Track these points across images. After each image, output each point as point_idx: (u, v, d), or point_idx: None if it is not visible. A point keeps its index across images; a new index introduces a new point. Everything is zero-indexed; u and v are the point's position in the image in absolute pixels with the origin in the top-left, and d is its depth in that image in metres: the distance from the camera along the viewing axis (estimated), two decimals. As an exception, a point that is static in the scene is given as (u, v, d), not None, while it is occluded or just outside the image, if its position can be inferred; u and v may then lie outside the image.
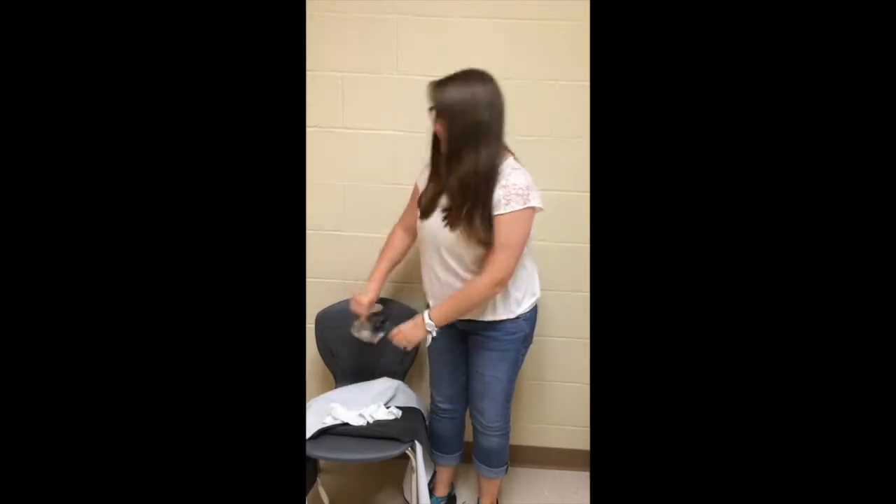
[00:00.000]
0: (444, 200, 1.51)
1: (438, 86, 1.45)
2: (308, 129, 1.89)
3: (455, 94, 1.42)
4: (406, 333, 1.61)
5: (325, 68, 1.85)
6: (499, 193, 1.44)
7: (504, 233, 1.45)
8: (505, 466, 1.84)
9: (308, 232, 1.96)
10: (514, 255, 1.48)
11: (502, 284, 1.51)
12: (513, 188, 1.43)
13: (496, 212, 1.44)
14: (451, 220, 1.48)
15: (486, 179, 1.43)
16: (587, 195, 1.83)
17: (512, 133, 1.84)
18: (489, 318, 1.60)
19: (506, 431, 1.77)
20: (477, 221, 1.44)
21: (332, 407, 1.76)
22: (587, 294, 1.92)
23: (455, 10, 1.81)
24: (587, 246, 1.87)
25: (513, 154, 1.54)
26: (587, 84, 1.76)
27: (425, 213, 1.56)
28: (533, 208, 1.46)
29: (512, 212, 1.43)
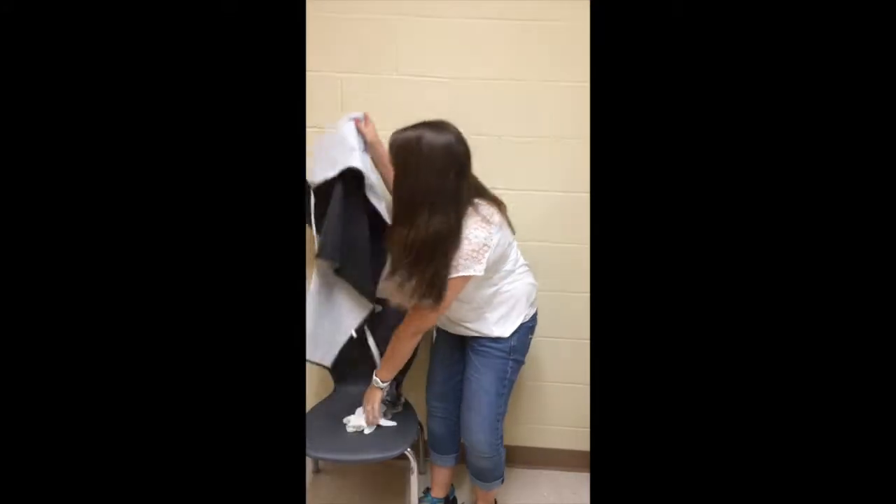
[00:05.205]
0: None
1: (403, 131, 1.39)
2: (308, 130, 1.89)
3: (421, 141, 1.34)
4: (366, 397, 1.66)
5: (325, 69, 1.85)
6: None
7: None
8: (500, 479, 1.80)
9: (308, 232, 1.96)
10: (440, 313, 1.46)
11: (420, 333, 1.54)
12: (460, 252, 1.38)
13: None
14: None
15: (433, 248, 1.35)
16: (587, 195, 1.83)
17: (512, 134, 1.85)
18: (472, 333, 1.62)
19: (497, 452, 1.70)
20: (422, 287, 1.37)
21: (348, 419, 1.79)
22: (587, 295, 1.92)
23: (455, 10, 1.81)
24: (587, 246, 1.87)
25: (477, 205, 1.45)
26: (587, 84, 1.76)
27: None
28: (466, 277, 1.40)
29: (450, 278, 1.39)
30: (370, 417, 1.67)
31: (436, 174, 1.34)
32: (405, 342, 1.57)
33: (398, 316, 1.89)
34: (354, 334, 1.81)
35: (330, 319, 1.80)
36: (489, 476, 1.77)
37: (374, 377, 1.64)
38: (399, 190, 1.39)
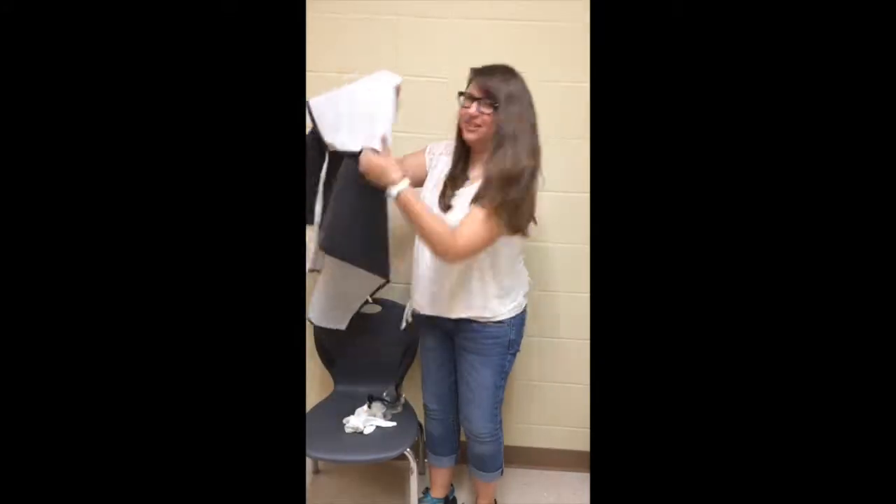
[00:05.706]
0: (476, 190, 1.46)
1: (492, 75, 1.46)
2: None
3: (510, 85, 1.45)
4: (378, 162, 1.45)
5: (325, 69, 1.85)
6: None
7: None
8: (500, 470, 1.83)
9: (308, 233, 1.96)
10: (490, 237, 1.45)
11: (461, 257, 1.46)
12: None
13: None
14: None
15: (531, 173, 1.44)
16: (587, 196, 1.83)
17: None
18: (471, 314, 1.58)
19: (496, 437, 1.74)
20: (520, 212, 1.44)
21: (347, 419, 1.79)
22: (587, 295, 1.92)
23: (455, 11, 1.81)
24: (587, 246, 1.87)
25: None
26: (587, 85, 1.76)
27: (449, 208, 1.52)
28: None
29: None
30: (368, 167, 1.46)
31: (529, 107, 1.47)
32: (443, 245, 1.43)
33: (396, 317, 1.89)
34: (370, 299, 1.84)
35: (344, 290, 1.81)
36: (490, 465, 1.78)
37: (400, 183, 1.43)
38: (501, 116, 1.44)
